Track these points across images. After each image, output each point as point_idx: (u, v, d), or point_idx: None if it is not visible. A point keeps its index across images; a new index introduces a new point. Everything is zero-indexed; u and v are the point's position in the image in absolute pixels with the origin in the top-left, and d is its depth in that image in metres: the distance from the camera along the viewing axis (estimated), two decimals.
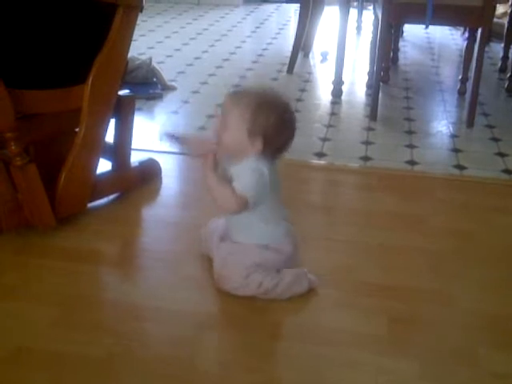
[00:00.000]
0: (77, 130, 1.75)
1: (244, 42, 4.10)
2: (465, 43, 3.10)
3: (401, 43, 3.82)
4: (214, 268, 1.54)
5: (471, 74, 2.73)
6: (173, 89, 3.06)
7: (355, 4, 4.28)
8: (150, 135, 2.49)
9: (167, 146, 1.67)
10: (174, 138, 1.60)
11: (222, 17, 4.82)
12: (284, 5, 5.33)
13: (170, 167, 2.22)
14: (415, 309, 1.51)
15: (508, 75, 3.19)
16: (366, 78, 3.23)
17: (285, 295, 1.51)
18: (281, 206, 1.55)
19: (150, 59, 3.06)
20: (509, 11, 3.38)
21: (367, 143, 2.49)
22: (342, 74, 3.01)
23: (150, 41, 3.95)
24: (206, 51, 3.80)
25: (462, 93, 3.04)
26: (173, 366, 1.32)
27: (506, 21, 3.47)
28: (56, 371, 1.30)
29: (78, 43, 1.72)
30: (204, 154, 1.46)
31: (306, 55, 3.69)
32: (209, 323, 1.47)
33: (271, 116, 1.43)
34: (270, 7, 5.30)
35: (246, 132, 1.42)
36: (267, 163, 1.46)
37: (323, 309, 1.51)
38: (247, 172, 1.44)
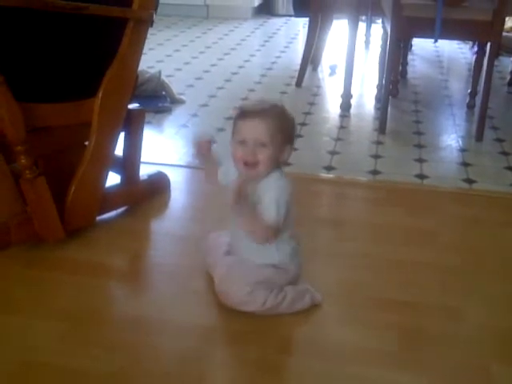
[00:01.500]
0: (86, 143, 1.76)
1: (253, 55, 4.11)
2: (474, 57, 3.10)
3: (409, 57, 3.83)
4: (216, 283, 1.53)
5: (480, 87, 2.73)
6: (181, 102, 3.07)
7: (364, 18, 4.29)
8: (159, 148, 2.50)
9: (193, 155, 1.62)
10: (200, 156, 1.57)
11: (231, 30, 4.85)
12: (293, 18, 5.34)
13: (178, 180, 2.22)
14: (425, 324, 1.50)
15: None
16: (374, 92, 3.23)
17: (287, 311, 1.50)
18: (292, 222, 1.53)
19: (160, 73, 3.07)
20: None
21: (376, 157, 2.49)
22: (350, 88, 3.01)
23: (159, 54, 3.97)
24: (214, 65, 3.81)
25: (471, 107, 3.04)
26: (182, 380, 1.31)
27: None
28: None
29: (88, 57, 1.73)
30: (235, 186, 1.42)
31: (315, 69, 3.70)
32: (217, 338, 1.47)
33: (288, 119, 1.45)
34: (278, 21, 5.33)
35: (281, 142, 1.42)
36: (282, 173, 1.47)
37: (332, 324, 1.50)
38: (274, 192, 1.42)
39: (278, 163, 1.45)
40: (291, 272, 1.53)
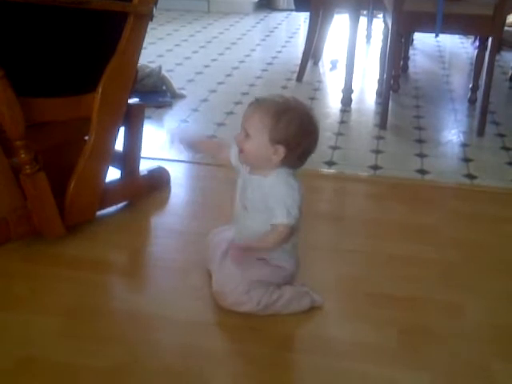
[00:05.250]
0: (86, 138, 1.75)
1: (254, 50, 4.10)
2: (475, 52, 3.09)
3: (411, 51, 3.82)
4: (213, 283, 1.52)
5: (482, 82, 2.72)
6: (182, 97, 3.06)
7: (365, 12, 4.27)
8: (159, 143, 2.49)
9: (177, 151, 1.66)
10: (181, 143, 1.60)
11: (232, 25, 4.83)
12: (294, 13, 5.34)
13: (178, 175, 2.22)
14: (426, 320, 1.49)
15: None
16: (375, 87, 3.22)
17: (283, 311, 1.49)
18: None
19: (160, 67, 3.06)
20: None
21: (377, 152, 2.48)
22: (351, 83, 3.00)
23: (159, 49, 3.96)
24: (215, 59, 3.80)
25: (472, 101, 3.03)
26: (182, 377, 1.31)
27: None
28: (63, 382, 1.29)
29: (88, 51, 1.73)
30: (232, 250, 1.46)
31: (316, 63, 3.69)
32: (217, 334, 1.47)
33: (292, 122, 1.39)
34: (279, 15, 5.31)
35: (267, 139, 1.38)
36: (292, 172, 1.44)
37: (332, 320, 1.50)
38: (281, 190, 1.40)
39: (270, 162, 1.40)
40: (288, 270, 1.51)
